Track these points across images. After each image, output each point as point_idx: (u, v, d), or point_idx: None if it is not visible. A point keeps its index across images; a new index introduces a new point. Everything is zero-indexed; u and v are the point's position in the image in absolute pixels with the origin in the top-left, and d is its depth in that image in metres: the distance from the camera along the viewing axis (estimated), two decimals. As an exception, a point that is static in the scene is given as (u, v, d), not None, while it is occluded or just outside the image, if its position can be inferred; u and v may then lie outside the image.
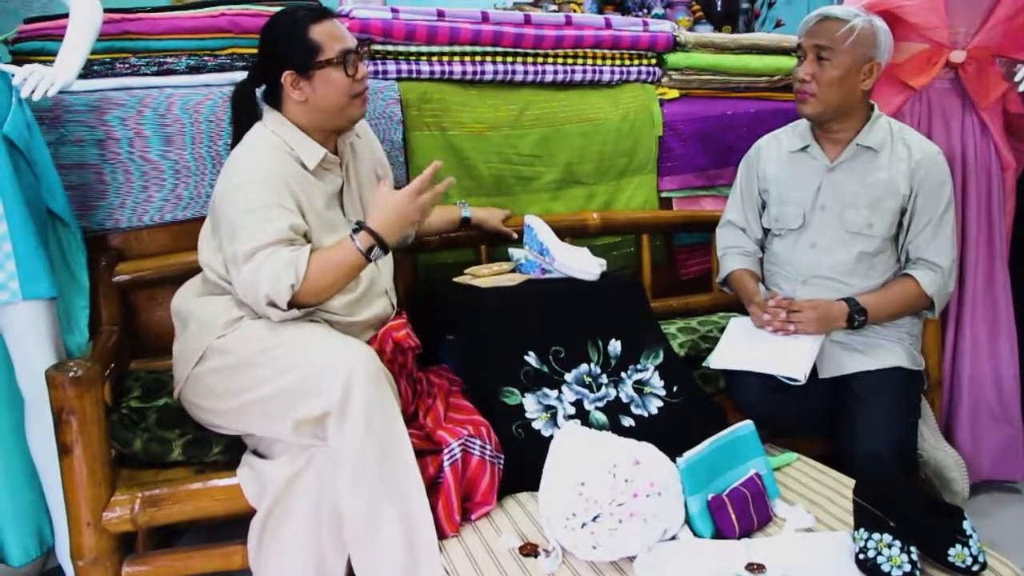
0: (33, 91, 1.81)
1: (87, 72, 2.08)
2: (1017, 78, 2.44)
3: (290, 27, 1.81)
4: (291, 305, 1.71)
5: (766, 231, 2.34)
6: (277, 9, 1.95)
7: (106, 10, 2.01)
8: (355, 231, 1.74)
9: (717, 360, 2.16)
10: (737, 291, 2.32)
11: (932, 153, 2.15)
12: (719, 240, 2.43)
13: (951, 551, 1.49)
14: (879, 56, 2.10)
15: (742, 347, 2.16)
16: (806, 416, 2.14)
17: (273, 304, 1.70)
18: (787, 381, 2.04)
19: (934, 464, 2.25)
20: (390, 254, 2.02)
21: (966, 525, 1.51)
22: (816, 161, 2.21)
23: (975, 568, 1.48)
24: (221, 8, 2.26)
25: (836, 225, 2.17)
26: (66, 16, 1.94)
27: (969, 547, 1.49)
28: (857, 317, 2.08)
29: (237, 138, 1.88)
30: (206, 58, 2.25)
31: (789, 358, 2.06)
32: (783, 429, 2.15)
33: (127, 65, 2.17)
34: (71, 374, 1.63)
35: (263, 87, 1.90)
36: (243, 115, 1.90)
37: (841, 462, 2.01)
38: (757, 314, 2.16)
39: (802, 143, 2.24)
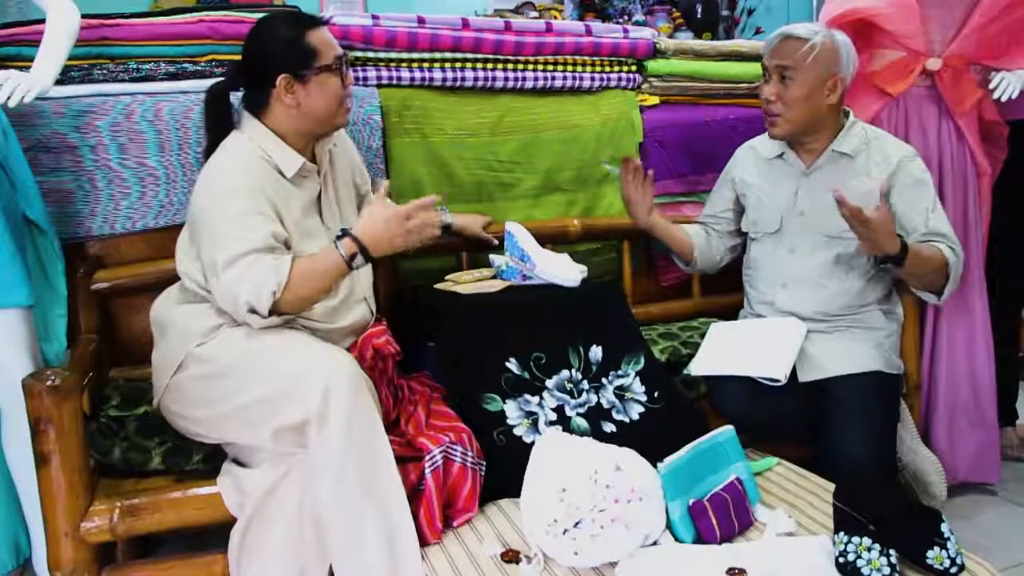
0: (9, 97, 1.80)
1: (64, 78, 2.06)
2: (992, 85, 2.47)
3: (286, 31, 1.80)
4: (272, 312, 1.70)
5: (744, 235, 2.38)
6: (258, 16, 1.95)
7: (84, 16, 2.00)
8: (339, 238, 1.74)
9: (698, 367, 2.18)
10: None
11: (910, 155, 2.19)
12: (688, 228, 2.46)
13: (929, 554, 1.50)
14: (842, 71, 2.13)
15: (722, 352, 2.18)
16: (786, 420, 2.15)
17: (254, 311, 1.69)
18: (767, 382, 2.05)
19: (913, 468, 2.27)
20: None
21: (944, 528, 1.52)
22: (793, 167, 2.25)
23: (953, 570, 1.49)
24: (201, 14, 2.25)
25: (814, 230, 2.20)
26: (43, 21, 1.92)
27: (947, 549, 1.50)
28: (892, 258, 1.99)
29: (211, 143, 1.86)
30: (186, 64, 2.23)
31: (769, 359, 2.08)
32: (764, 433, 2.16)
33: (105, 71, 2.16)
34: (48, 383, 1.61)
35: (242, 92, 1.89)
36: (216, 119, 1.88)
37: (822, 466, 2.01)
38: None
39: (778, 150, 2.27)
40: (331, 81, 1.81)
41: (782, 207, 2.25)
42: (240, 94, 1.90)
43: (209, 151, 1.86)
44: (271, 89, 1.80)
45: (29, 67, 1.87)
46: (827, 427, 2.08)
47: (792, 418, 2.15)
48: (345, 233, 1.74)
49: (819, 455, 2.10)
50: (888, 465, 2.11)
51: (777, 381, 2.04)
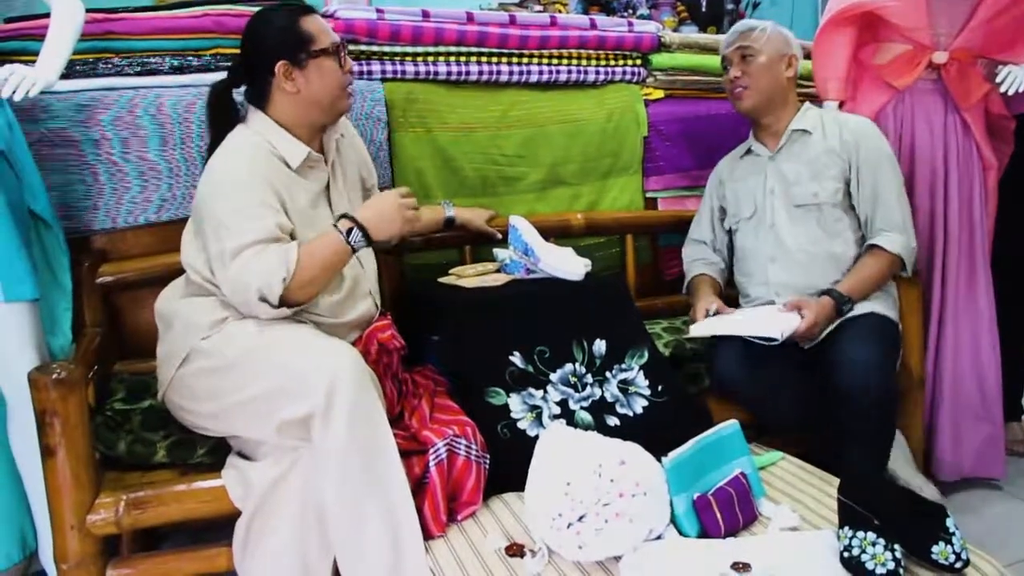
0: (14, 91, 1.80)
1: (69, 72, 2.06)
2: (998, 79, 2.46)
3: (281, 20, 1.83)
4: (282, 301, 1.71)
5: (729, 233, 2.43)
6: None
7: (88, 10, 2.00)
8: (338, 220, 1.76)
9: (696, 329, 2.20)
10: (692, 295, 2.40)
11: (865, 125, 2.32)
12: (684, 255, 2.54)
13: (934, 549, 1.49)
14: (793, 50, 2.32)
15: (721, 320, 2.20)
16: (784, 387, 2.15)
17: (265, 300, 1.69)
18: (764, 343, 2.10)
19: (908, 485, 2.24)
20: (373, 255, 2.02)
21: (949, 523, 1.52)
22: (760, 157, 2.36)
23: (958, 565, 1.49)
24: (205, 8, 2.25)
25: (786, 203, 2.29)
26: (48, 16, 1.92)
27: (952, 544, 1.49)
28: (844, 308, 2.16)
29: (214, 140, 1.87)
30: (190, 58, 2.24)
31: (766, 323, 2.11)
32: (761, 405, 2.17)
33: (110, 65, 2.16)
34: (54, 376, 1.62)
35: (245, 86, 1.90)
36: (219, 117, 1.89)
37: (823, 395, 2.05)
38: (698, 313, 2.24)
39: (747, 147, 2.41)
40: (328, 64, 1.83)
41: (755, 193, 2.35)
42: (243, 90, 1.91)
43: (213, 147, 1.86)
44: (271, 79, 1.81)
45: (34, 61, 1.87)
46: (827, 356, 2.10)
47: (791, 384, 2.15)
48: (344, 215, 1.76)
49: (821, 386, 2.08)
50: (886, 380, 2.06)
51: (773, 341, 2.07)
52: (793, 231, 2.27)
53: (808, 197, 2.26)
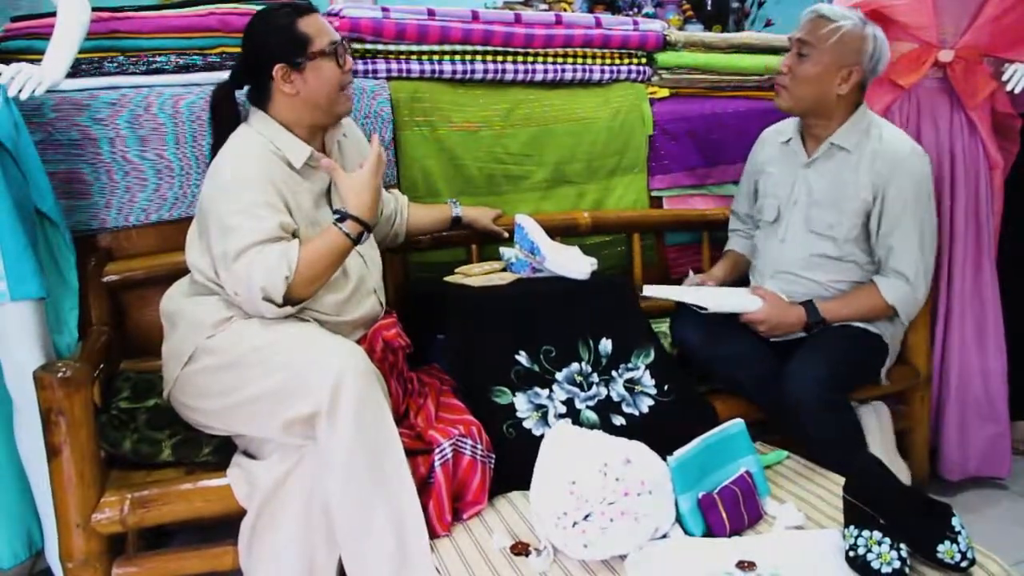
0: (20, 90, 1.80)
1: (75, 71, 2.06)
2: (1005, 77, 2.45)
3: (278, 21, 1.82)
4: (285, 299, 1.71)
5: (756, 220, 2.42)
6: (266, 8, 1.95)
7: (94, 9, 2.00)
8: (339, 220, 1.75)
9: (649, 289, 2.22)
10: None
11: (903, 155, 2.13)
12: (730, 223, 2.55)
13: (940, 548, 1.49)
14: (863, 64, 2.09)
15: (680, 290, 2.24)
16: (742, 360, 2.13)
17: (269, 299, 1.70)
18: (696, 308, 2.13)
19: None
20: (378, 253, 2.02)
21: (955, 522, 1.52)
22: (796, 157, 2.25)
23: (964, 564, 1.49)
24: (210, 7, 2.25)
25: (802, 222, 2.22)
26: (53, 15, 1.93)
27: (958, 543, 1.49)
28: (812, 329, 2.13)
29: (218, 141, 1.87)
30: (195, 57, 2.24)
31: (715, 296, 2.15)
32: (718, 372, 2.17)
33: (115, 64, 2.16)
34: (60, 375, 1.62)
35: (247, 87, 1.90)
36: (223, 118, 1.89)
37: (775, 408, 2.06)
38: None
39: (788, 135, 2.29)
40: (326, 65, 1.81)
41: (781, 197, 2.27)
42: (245, 90, 1.91)
43: (216, 147, 1.87)
44: (270, 81, 1.81)
45: (40, 60, 1.87)
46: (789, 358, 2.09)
47: (748, 361, 2.13)
48: (343, 215, 1.75)
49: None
50: (832, 406, 2.01)
51: (704, 309, 2.11)
52: (797, 254, 2.21)
53: (824, 227, 2.16)
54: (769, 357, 2.13)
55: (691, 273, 2.36)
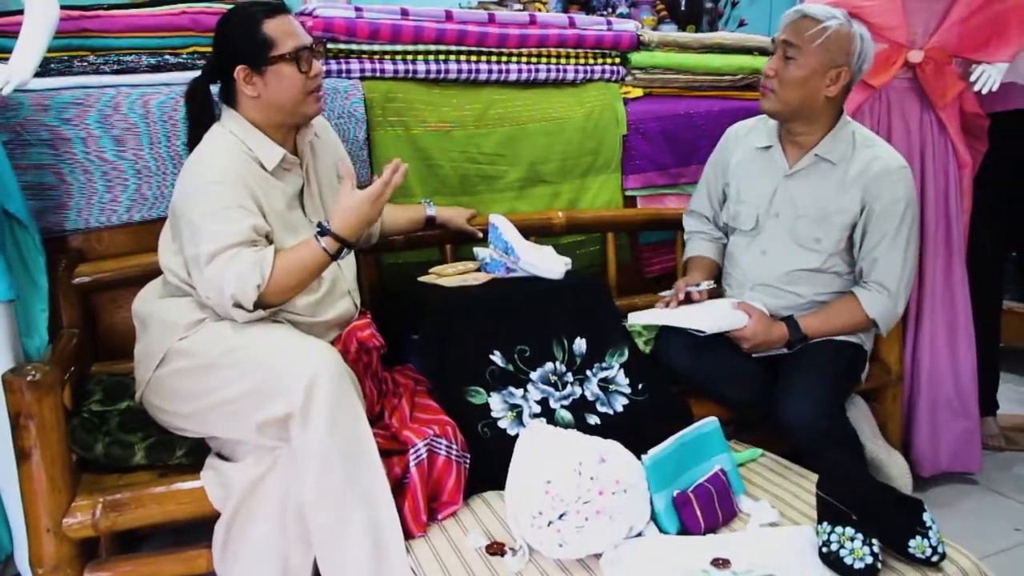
0: (-13, 90, 1.78)
1: (44, 71, 2.04)
2: (973, 78, 2.49)
3: (244, 22, 1.79)
4: (256, 306, 1.70)
5: (726, 225, 2.39)
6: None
7: (63, 7, 1.98)
8: (320, 234, 1.73)
9: (635, 317, 2.21)
10: (686, 272, 2.39)
11: (891, 169, 2.11)
12: (685, 224, 2.50)
13: (911, 543, 1.51)
14: (850, 64, 2.06)
15: (664, 313, 2.21)
16: (729, 374, 2.14)
17: (239, 305, 1.68)
18: (694, 332, 2.10)
19: (875, 461, 2.26)
20: (352, 254, 2.01)
21: (926, 517, 1.53)
22: (776, 165, 2.22)
23: (935, 559, 1.51)
24: (182, 6, 2.23)
25: (785, 234, 2.19)
26: (21, 12, 1.90)
27: (929, 538, 1.51)
28: (794, 346, 2.14)
29: (193, 137, 1.86)
30: (167, 56, 2.22)
31: (703, 316, 2.13)
32: (707, 389, 2.17)
33: (85, 63, 2.14)
34: (29, 378, 1.60)
35: (219, 84, 1.88)
36: (197, 113, 1.87)
37: (770, 427, 2.06)
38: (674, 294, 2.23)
39: (767, 142, 2.24)
40: (287, 70, 1.78)
41: (759, 206, 2.23)
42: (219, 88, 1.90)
43: (192, 144, 1.85)
44: (234, 81, 1.79)
45: (7, 59, 1.85)
46: (776, 383, 2.10)
47: (736, 374, 2.14)
48: (324, 230, 1.73)
49: (766, 414, 2.07)
50: (835, 427, 2.03)
51: (702, 333, 2.09)
52: (780, 267, 2.19)
53: (810, 241, 2.15)
54: (759, 374, 2.14)
55: (675, 290, 2.27)
